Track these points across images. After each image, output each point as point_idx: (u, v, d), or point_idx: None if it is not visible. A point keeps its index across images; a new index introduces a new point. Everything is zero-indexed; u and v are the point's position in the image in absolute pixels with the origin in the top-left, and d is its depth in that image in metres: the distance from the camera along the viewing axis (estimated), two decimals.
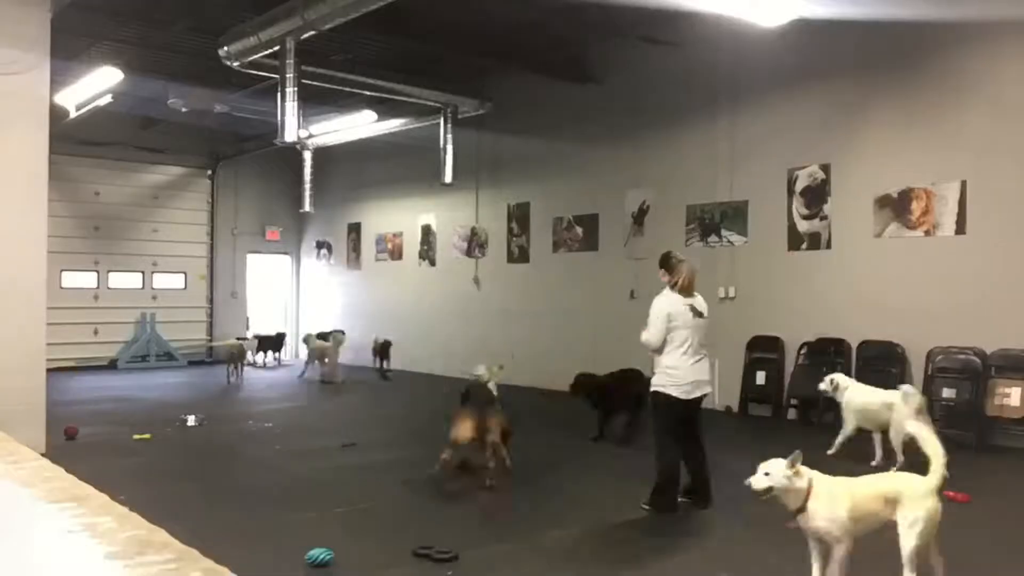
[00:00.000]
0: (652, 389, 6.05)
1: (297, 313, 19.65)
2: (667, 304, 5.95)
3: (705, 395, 6.10)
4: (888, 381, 9.14)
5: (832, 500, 4.02)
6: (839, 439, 7.48)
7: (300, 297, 19.74)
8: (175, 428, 9.57)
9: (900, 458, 6.71)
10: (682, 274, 6.00)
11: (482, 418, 6.63)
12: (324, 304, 18.74)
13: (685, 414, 5.99)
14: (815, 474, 4.12)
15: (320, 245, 19.10)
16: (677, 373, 5.90)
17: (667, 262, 6.10)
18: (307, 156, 15.93)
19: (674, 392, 5.90)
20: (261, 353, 17.21)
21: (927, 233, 9.09)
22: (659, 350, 5.94)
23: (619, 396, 8.54)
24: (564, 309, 12.98)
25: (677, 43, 10.98)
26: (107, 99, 12.60)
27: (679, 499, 6.01)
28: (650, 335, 5.97)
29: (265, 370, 16.53)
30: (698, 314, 5.99)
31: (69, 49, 11.22)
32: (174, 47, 12.28)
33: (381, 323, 16.18)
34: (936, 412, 8.74)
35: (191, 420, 9.80)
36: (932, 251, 9.05)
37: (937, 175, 9.00)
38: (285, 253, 19.72)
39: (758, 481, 4.11)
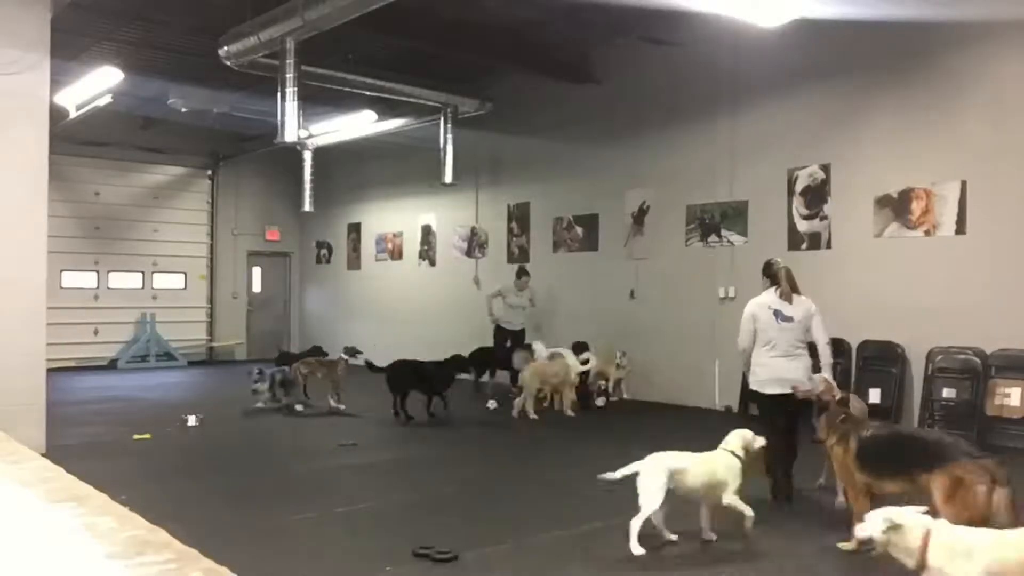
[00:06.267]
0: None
1: (300, 314, 19.64)
2: (752, 307, 6.30)
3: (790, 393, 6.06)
4: (888, 381, 9.21)
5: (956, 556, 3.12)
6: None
7: (301, 297, 19.75)
8: (175, 428, 9.57)
9: None
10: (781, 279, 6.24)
11: None
12: (325, 304, 18.76)
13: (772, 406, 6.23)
14: (933, 523, 3.24)
15: (320, 245, 19.09)
16: (758, 370, 6.25)
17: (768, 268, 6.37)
18: (307, 156, 15.91)
19: (753, 386, 6.34)
20: None
21: (927, 233, 9.09)
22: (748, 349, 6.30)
23: None
24: (564, 309, 12.98)
25: (677, 43, 10.98)
26: (107, 99, 12.60)
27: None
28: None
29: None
30: (786, 318, 6.17)
31: (69, 49, 11.22)
32: (174, 47, 12.28)
33: (381, 323, 16.19)
34: (936, 412, 8.78)
35: (191, 420, 9.77)
36: (932, 251, 9.04)
37: (937, 175, 9.00)
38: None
39: (861, 529, 3.46)
